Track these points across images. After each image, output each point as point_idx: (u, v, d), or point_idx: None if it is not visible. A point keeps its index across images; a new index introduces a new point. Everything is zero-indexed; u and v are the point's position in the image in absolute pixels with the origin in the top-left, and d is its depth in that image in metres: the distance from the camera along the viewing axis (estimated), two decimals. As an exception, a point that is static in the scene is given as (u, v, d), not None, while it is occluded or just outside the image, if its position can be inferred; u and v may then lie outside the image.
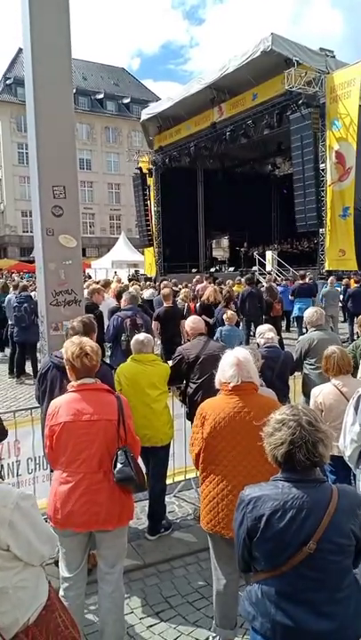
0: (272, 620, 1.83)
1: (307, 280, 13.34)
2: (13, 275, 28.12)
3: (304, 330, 8.85)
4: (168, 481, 4.49)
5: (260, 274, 20.13)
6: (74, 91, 4.93)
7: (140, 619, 3.21)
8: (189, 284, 14.81)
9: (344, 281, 14.61)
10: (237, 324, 8.56)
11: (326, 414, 3.77)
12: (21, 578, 1.84)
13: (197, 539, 3.97)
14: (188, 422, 4.15)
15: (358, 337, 6.78)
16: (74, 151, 4.30)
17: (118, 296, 7.81)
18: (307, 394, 4.78)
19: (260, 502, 1.87)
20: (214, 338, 7.17)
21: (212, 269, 25.54)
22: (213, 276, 20.30)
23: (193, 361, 4.28)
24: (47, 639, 1.85)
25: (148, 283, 18.23)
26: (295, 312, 12.38)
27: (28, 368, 9.80)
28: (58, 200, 4.09)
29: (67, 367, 2.89)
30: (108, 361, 5.55)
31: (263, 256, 22.73)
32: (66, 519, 2.69)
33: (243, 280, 13.60)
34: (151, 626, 3.14)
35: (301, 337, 6.20)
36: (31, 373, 9.50)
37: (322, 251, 17.92)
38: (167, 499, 4.39)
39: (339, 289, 13.28)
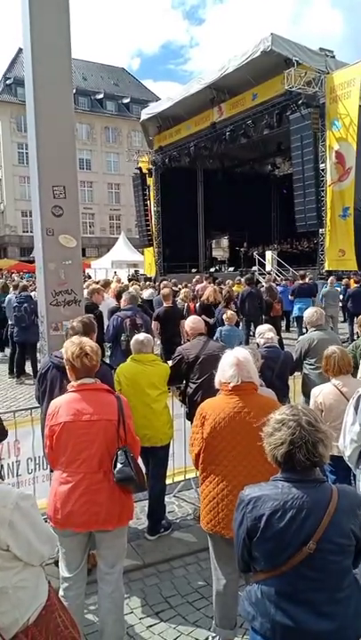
0: (272, 620, 1.83)
1: (307, 280, 13.34)
2: (13, 275, 28.11)
3: (304, 330, 8.85)
4: (168, 481, 4.49)
5: (259, 274, 20.12)
6: (74, 91, 4.94)
7: (139, 619, 3.21)
8: (189, 284, 14.82)
9: (344, 281, 14.63)
10: (237, 324, 8.56)
11: (326, 414, 3.77)
12: (21, 578, 1.84)
13: (197, 539, 3.97)
14: (188, 422, 4.15)
15: (358, 337, 6.77)
16: (74, 151, 4.31)
17: (118, 296, 7.81)
18: (307, 394, 4.78)
19: (259, 502, 1.87)
20: (214, 338, 7.17)
21: (212, 269, 25.53)
22: (213, 276, 20.28)
23: (193, 361, 4.28)
24: (47, 639, 1.85)
25: (147, 283, 18.23)
26: (295, 312, 12.38)
27: (28, 368, 9.80)
28: (58, 200, 4.09)
29: (67, 367, 2.89)
30: (107, 361, 5.55)
31: (263, 256, 22.73)
32: (66, 519, 2.69)
33: (242, 280, 13.60)
34: (151, 626, 3.14)
35: (301, 337, 6.21)
36: (31, 373, 9.50)
37: (322, 251, 17.92)
38: (167, 499, 4.39)
39: (339, 289, 13.29)
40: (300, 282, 13.17)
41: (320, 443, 1.84)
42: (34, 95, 4.01)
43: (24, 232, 44.38)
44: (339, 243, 17.03)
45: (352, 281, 14.47)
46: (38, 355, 7.70)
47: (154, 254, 27.09)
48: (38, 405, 3.76)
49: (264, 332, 4.87)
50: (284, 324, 13.71)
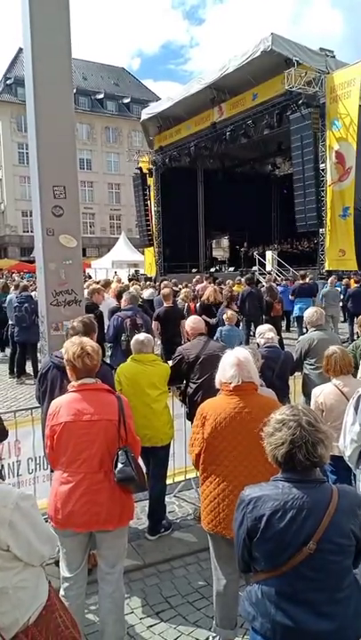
0: (272, 621, 1.83)
1: (307, 280, 13.33)
2: (14, 275, 28.11)
3: (304, 330, 8.84)
4: (168, 481, 4.49)
5: (260, 274, 20.13)
6: (74, 90, 4.93)
7: (140, 619, 3.21)
8: (189, 284, 14.82)
9: (344, 281, 14.63)
10: (237, 324, 8.56)
11: (327, 414, 3.77)
12: (21, 578, 1.84)
13: (197, 539, 3.97)
14: (188, 422, 4.15)
15: (358, 337, 6.77)
16: (74, 151, 4.30)
17: (118, 296, 7.81)
18: (307, 394, 4.78)
19: (260, 502, 1.87)
20: (214, 338, 7.17)
21: (212, 269, 25.54)
22: (213, 276, 20.30)
23: (193, 361, 4.28)
24: (47, 639, 1.85)
25: (148, 283, 18.23)
26: (295, 312, 12.38)
27: (29, 368, 9.81)
28: (58, 200, 4.09)
29: (67, 367, 2.89)
30: (108, 361, 5.55)
31: (263, 256, 22.73)
32: (66, 519, 2.69)
33: (243, 280, 13.60)
34: (151, 626, 3.14)
35: (301, 337, 6.20)
36: (31, 373, 9.51)
37: (322, 251, 17.92)
38: (167, 499, 4.39)
39: (339, 289, 13.29)
40: (301, 282, 13.17)
41: (320, 443, 1.84)
42: (34, 95, 4.01)
43: (24, 232, 44.39)
44: (339, 243, 17.03)
45: (352, 281, 14.48)
46: (39, 355, 7.71)
47: (154, 254, 27.10)
48: (39, 405, 3.76)
49: (264, 332, 4.87)
50: (284, 324, 13.71)
